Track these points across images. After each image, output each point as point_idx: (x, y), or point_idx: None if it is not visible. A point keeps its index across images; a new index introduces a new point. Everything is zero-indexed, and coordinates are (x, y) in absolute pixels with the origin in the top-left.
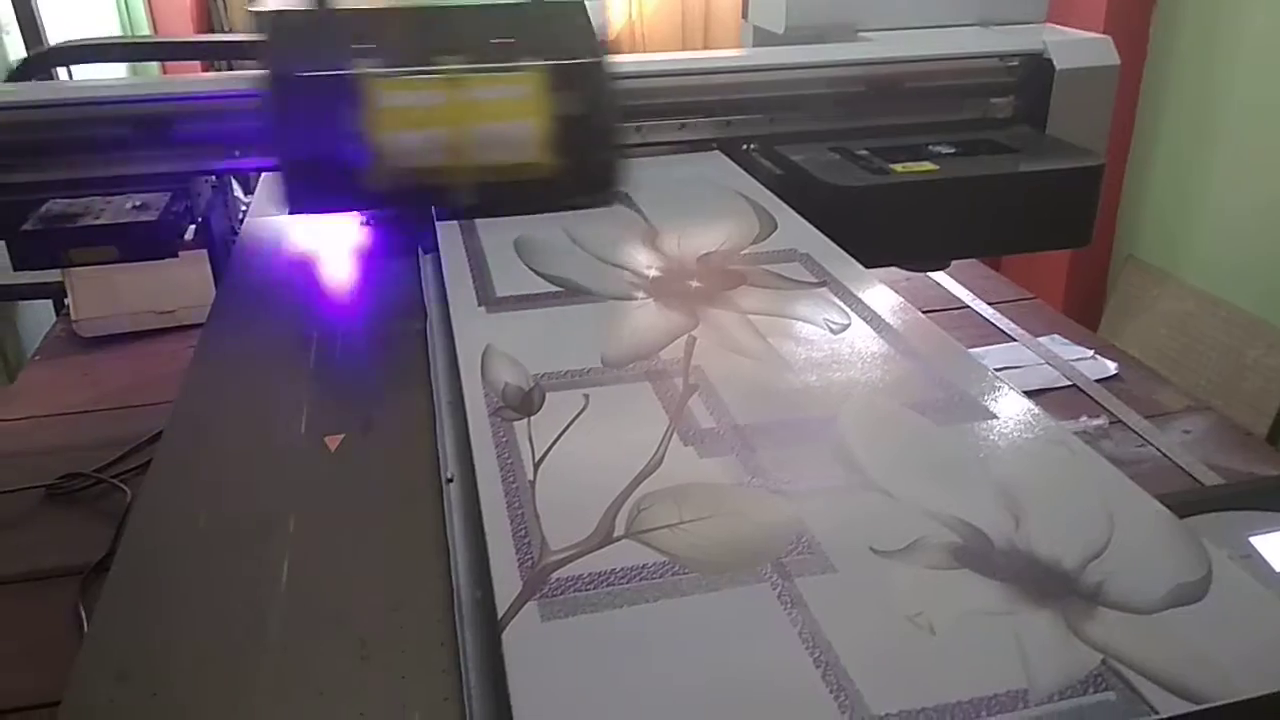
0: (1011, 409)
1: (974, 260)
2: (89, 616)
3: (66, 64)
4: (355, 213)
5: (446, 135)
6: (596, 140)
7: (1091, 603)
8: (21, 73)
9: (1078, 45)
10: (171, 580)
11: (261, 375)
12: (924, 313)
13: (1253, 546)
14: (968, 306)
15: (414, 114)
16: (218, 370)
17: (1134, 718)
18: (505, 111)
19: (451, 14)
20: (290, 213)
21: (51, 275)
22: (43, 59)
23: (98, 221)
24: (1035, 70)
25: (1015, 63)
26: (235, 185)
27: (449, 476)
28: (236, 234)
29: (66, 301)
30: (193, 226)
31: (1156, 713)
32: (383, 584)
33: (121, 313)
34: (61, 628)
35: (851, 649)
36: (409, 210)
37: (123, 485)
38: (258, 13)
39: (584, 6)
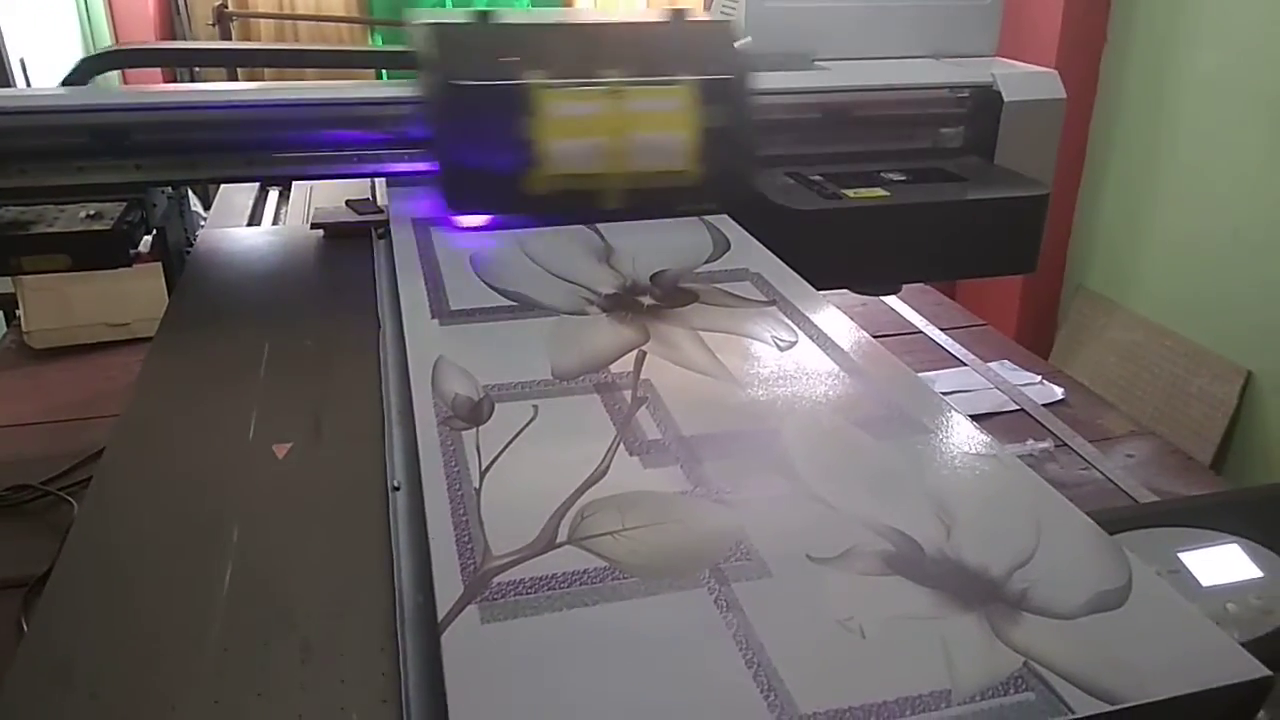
0: (949, 425)
1: (927, 287)
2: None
3: (123, 67)
4: (511, 214)
5: (605, 143)
6: (736, 151)
7: (1016, 608)
8: (78, 74)
9: (1025, 79)
10: (113, 583)
11: (211, 384)
12: (878, 337)
13: (1181, 562)
14: (920, 331)
15: (578, 123)
16: (168, 377)
17: (1052, 717)
18: (659, 122)
19: (604, 30)
20: (451, 213)
21: (3, 285)
22: (99, 61)
23: (50, 229)
24: (984, 102)
25: (965, 94)
26: (192, 197)
27: (396, 484)
28: (192, 245)
29: (17, 312)
30: (148, 238)
31: (1073, 712)
32: (326, 590)
33: (73, 325)
34: (2, 640)
35: (783, 651)
36: (561, 212)
37: (69, 498)
38: (419, 24)
39: (729, 25)
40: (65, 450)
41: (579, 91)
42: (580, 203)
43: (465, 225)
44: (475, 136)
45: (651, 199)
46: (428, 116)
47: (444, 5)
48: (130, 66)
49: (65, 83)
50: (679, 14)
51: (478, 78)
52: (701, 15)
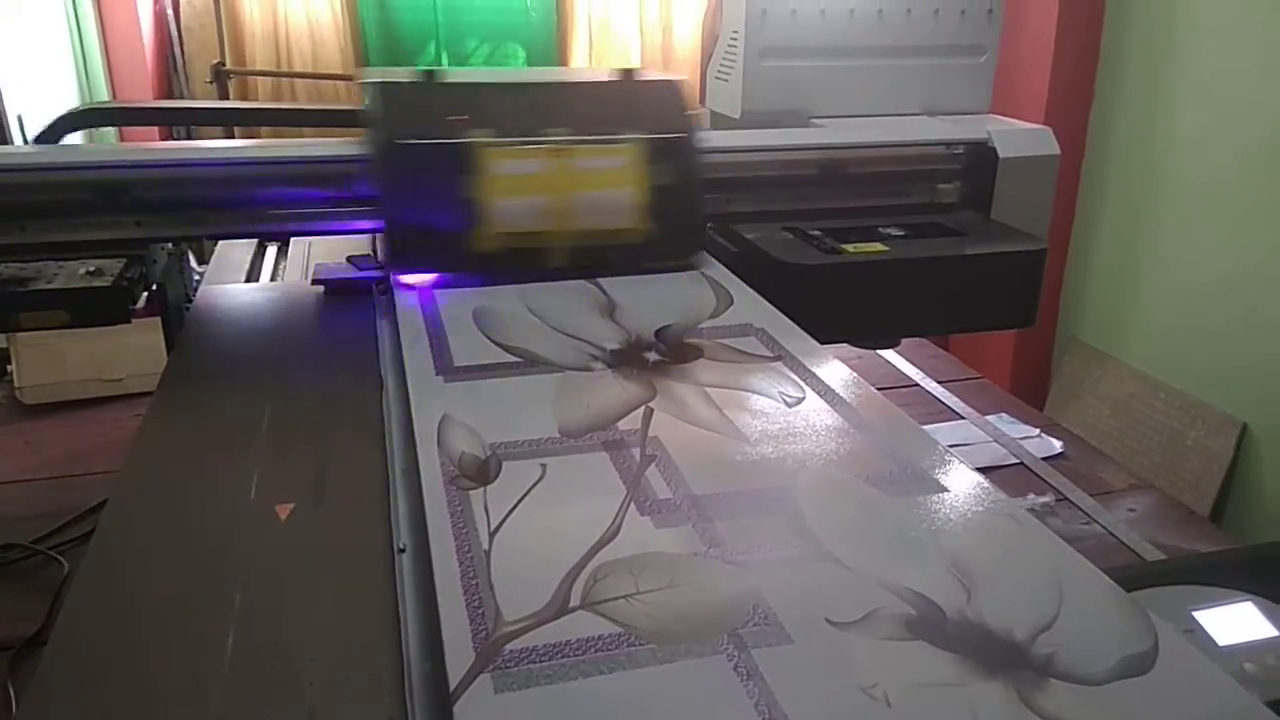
0: (961, 482)
1: (923, 340)
2: (18, 694)
3: (95, 126)
4: (457, 273)
5: (549, 202)
6: (684, 208)
7: (1042, 674)
8: (53, 131)
9: (1020, 135)
10: (111, 652)
11: (212, 442)
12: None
13: (1195, 620)
14: (917, 384)
15: (521, 181)
16: (167, 436)
17: None
18: (605, 180)
19: (551, 88)
20: (394, 272)
21: None
22: (74, 119)
23: (49, 286)
24: (979, 158)
25: (960, 150)
26: (189, 253)
27: (401, 547)
28: (191, 301)
29: (8, 367)
30: (145, 293)
31: None
32: (332, 657)
33: (66, 380)
34: None
35: None
36: (508, 272)
37: (60, 557)
38: (367, 83)
39: (677, 84)
40: (56, 508)
41: (523, 150)
42: (526, 261)
43: (410, 283)
44: (419, 195)
45: (600, 257)
46: (373, 175)
47: (440, 63)
48: (106, 125)
49: (38, 139)
50: (628, 73)
51: (422, 136)
52: (651, 75)
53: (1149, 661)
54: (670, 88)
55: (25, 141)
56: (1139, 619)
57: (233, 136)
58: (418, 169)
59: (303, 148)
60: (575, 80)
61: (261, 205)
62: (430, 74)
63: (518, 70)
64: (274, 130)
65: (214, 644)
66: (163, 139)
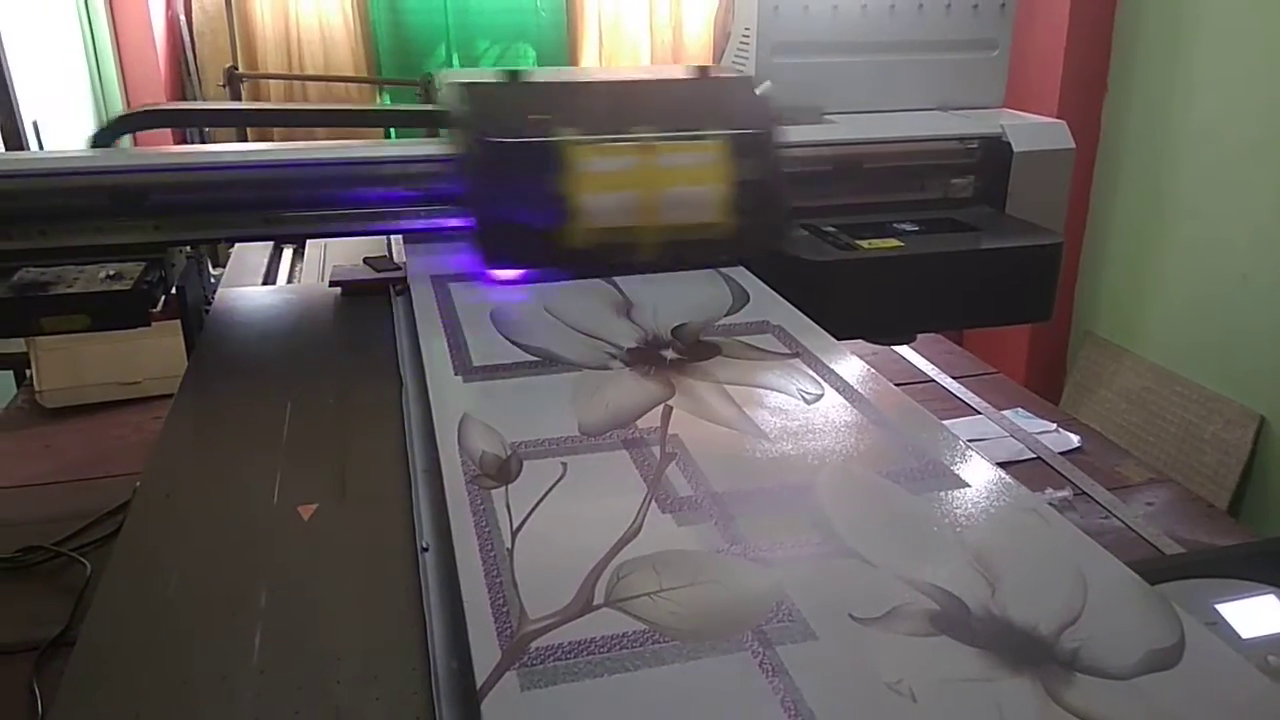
0: (982, 477)
1: (937, 335)
2: (43, 695)
3: (154, 127)
4: (548, 269)
5: (637, 197)
6: (768, 201)
7: (1069, 669)
8: (110, 132)
9: (1034, 129)
10: (138, 652)
11: (234, 444)
12: None
13: (1219, 613)
14: (933, 380)
15: (609, 178)
16: (189, 438)
17: None
18: (691, 176)
19: (631, 86)
20: (488, 269)
21: (14, 345)
22: (130, 121)
23: (70, 290)
24: (994, 152)
25: (975, 145)
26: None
27: (424, 545)
28: (210, 304)
29: (28, 372)
30: (164, 297)
31: None
32: (357, 655)
33: (85, 384)
34: (14, 706)
35: (834, 718)
36: (597, 266)
37: (82, 559)
38: (451, 83)
39: (751, 79)
40: (76, 510)
41: (611, 147)
42: (614, 256)
43: (498, 279)
44: (510, 193)
45: (685, 251)
46: (462, 174)
47: (451, 64)
48: (160, 126)
49: (95, 140)
50: (702, 70)
51: (511, 135)
52: (723, 71)
53: (1175, 655)
54: (746, 84)
55: (40, 147)
56: (1164, 613)
57: (272, 138)
58: (509, 167)
59: (365, 149)
60: (654, 78)
61: (321, 206)
62: (514, 74)
63: (589, 69)
64: (286, 132)
65: (241, 644)
66: (176, 142)
